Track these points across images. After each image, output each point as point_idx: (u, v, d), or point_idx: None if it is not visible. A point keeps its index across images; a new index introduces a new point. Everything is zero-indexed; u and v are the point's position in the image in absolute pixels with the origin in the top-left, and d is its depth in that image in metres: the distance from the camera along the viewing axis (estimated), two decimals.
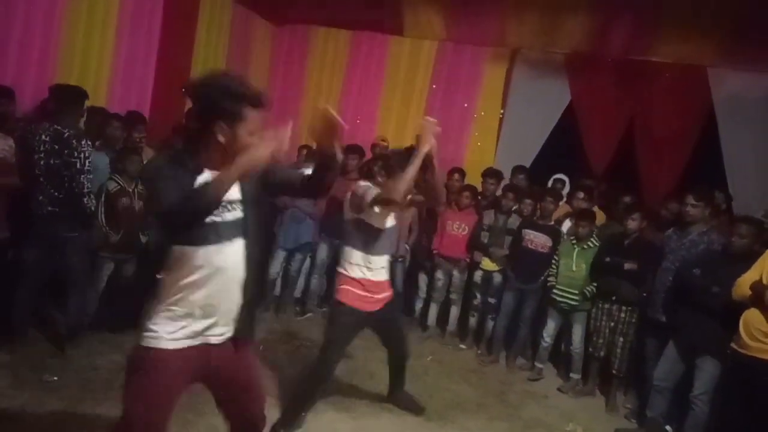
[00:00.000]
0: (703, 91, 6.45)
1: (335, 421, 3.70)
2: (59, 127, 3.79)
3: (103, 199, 4.30)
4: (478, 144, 7.28)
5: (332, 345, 3.32)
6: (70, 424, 3.19)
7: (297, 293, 5.79)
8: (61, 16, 4.72)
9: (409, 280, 5.77)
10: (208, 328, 2.03)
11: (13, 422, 3.13)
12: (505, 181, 5.97)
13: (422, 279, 5.75)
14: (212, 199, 1.86)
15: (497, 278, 5.27)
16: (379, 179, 3.35)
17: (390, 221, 3.32)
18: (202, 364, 2.05)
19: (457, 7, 6.27)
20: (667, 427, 4.11)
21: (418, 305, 5.81)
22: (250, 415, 2.26)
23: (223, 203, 1.96)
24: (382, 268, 3.33)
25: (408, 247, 5.62)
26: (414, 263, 5.76)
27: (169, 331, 1.99)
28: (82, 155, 3.82)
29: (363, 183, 3.31)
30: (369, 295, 3.28)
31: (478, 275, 5.39)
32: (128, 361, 2.06)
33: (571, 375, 4.87)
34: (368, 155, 6.11)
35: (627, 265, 4.40)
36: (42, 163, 3.77)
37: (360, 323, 3.32)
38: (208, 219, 1.93)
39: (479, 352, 5.37)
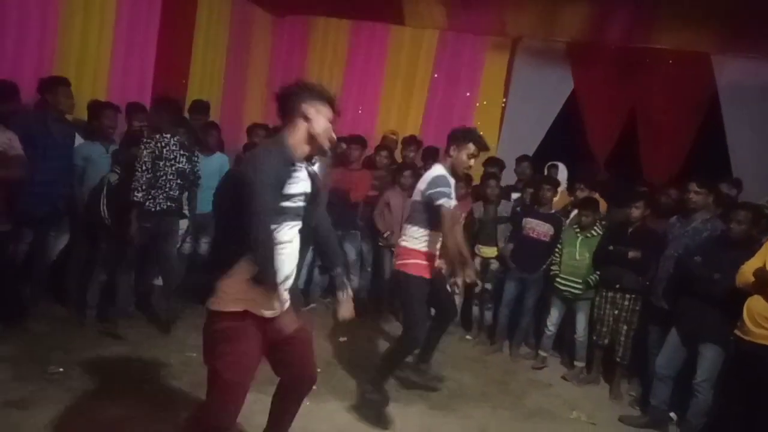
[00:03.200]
0: (707, 79, 6.40)
1: (336, 410, 3.71)
2: (180, 138, 4.42)
3: (105, 191, 4.30)
4: (481, 133, 7.23)
5: (414, 315, 3.65)
6: (74, 416, 3.20)
7: (300, 284, 5.77)
8: (58, 8, 4.70)
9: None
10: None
11: (17, 414, 3.13)
12: (509, 171, 5.97)
13: None
14: (266, 261, 2.18)
15: (494, 264, 5.27)
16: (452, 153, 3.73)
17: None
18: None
19: None
20: (671, 414, 4.12)
21: None
22: (301, 375, 2.58)
23: (296, 195, 2.32)
24: (438, 242, 3.71)
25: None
26: None
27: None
28: (199, 163, 4.65)
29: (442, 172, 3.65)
30: (429, 264, 3.68)
31: (476, 262, 5.37)
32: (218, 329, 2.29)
33: (575, 363, 4.86)
34: (372, 146, 6.14)
35: (631, 254, 4.38)
36: (174, 168, 4.35)
37: (426, 289, 3.69)
38: (285, 204, 2.28)
39: (477, 339, 5.38)
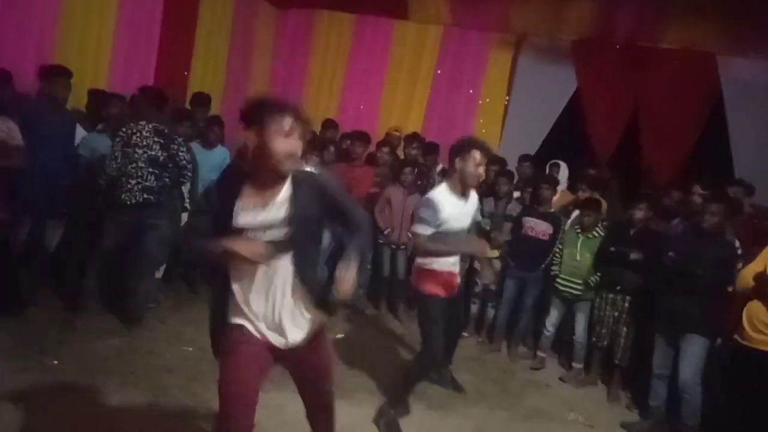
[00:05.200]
0: (712, 78, 6.36)
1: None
2: (157, 125, 4.19)
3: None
4: (483, 131, 7.20)
5: (431, 334, 3.58)
6: (69, 410, 3.18)
7: None
8: None
9: (411, 268, 5.73)
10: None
11: (11, 406, 3.12)
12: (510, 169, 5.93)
13: None
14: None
15: (497, 265, 5.24)
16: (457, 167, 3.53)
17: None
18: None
19: None
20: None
21: None
22: (313, 405, 2.50)
23: (260, 226, 2.15)
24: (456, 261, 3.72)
25: (410, 235, 5.57)
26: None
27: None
28: (182, 151, 4.34)
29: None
30: (444, 282, 3.62)
31: (478, 262, 5.34)
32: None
33: (574, 364, 4.84)
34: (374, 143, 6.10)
35: (633, 255, 4.35)
36: (146, 156, 4.13)
37: (443, 307, 3.62)
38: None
39: (480, 340, 5.36)
